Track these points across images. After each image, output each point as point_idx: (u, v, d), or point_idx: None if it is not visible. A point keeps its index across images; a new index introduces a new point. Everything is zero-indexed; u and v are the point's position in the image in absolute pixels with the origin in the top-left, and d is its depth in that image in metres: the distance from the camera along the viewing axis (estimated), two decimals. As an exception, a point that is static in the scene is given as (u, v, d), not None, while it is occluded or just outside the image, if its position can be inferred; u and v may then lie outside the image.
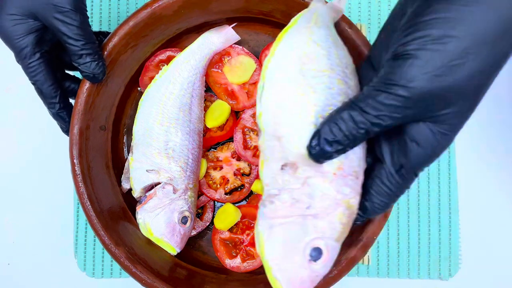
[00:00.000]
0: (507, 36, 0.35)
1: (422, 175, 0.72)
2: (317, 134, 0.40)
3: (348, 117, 0.39)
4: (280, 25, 0.66)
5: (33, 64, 0.55)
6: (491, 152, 0.74)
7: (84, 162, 0.60)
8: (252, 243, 0.66)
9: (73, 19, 0.54)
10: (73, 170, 0.59)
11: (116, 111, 0.66)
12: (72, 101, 0.60)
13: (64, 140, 0.61)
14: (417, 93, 0.36)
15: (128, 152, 0.68)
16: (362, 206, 0.44)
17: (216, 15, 0.65)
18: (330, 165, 0.42)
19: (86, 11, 0.56)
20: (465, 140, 0.73)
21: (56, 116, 0.59)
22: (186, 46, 0.66)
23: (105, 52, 0.60)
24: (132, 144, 0.65)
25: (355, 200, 0.43)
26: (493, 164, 0.74)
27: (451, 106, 0.38)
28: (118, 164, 0.67)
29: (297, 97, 0.43)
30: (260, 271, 0.65)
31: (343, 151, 0.41)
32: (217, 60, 0.68)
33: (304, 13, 0.50)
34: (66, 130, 0.60)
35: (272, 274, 0.42)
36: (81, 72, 0.57)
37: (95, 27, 0.73)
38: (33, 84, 0.57)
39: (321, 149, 0.40)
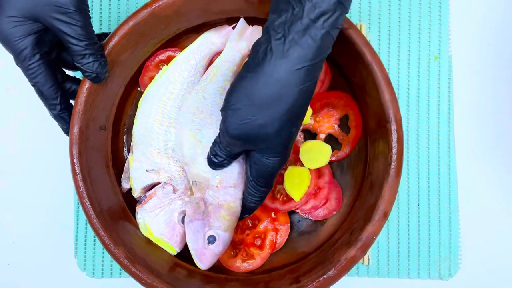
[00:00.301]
0: (277, 103, 0.51)
1: (422, 175, 0.72)
2: (208, 153, 0.60)
3: (218, 141, 0.58)
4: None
5: (33, 65, 0.55)
6: (491, 152, 0.74)
7: (84, 162, 0.60)
8: (252, 243, 0.66)
9: (77, 20, 0.54)
10: (73, 170, 0.59)
11: (116, 111, 0.66)
12: (72, 101, 0.60)
13: (64, 140, 0.61)
14: (230, 137, 0.55)
15: (128, 152, 0.68)
16: (242, 204, 0.62)
17: (216, 15, 0.65)
18: (214, 181, 0.62)
19: (89, 11, 0.56)
20: (465, 140, 0.73)
21: (58, 117, 0.59)
22: (186, 46, 0.66)
23: (105, 52, 0.60)
24: (132, 143, 0.65)
25: (234, 203, 0.62)
26: (493, 164, 0.74)
27: (259, 145, 0.55)
28: (118, 164, 0.67)
29: (192, 138, 0.62)
30: (259, 271, 0.65)
31: (227, 162, 0.60)
32: (217, 60, 0.68)
33: (209, 70, 0.66)
34: (68, 131, 0.60)
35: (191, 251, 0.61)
36: (84, 72, 0.57)
37: (95, 27, 0.73)
38: (33, 86, 0.56)
39: (211, 160, 0.60)
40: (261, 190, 0.60)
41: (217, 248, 0.61)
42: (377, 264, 0.72)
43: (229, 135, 0.55)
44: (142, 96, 0.65)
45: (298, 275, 0.60)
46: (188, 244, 0.61)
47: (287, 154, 0.57)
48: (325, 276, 0.57)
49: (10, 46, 0.54)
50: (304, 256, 0.65)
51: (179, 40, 0.68)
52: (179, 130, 0.64)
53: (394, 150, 0.58)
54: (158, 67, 0.67)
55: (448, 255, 0.71)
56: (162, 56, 0.67)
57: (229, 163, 0.60)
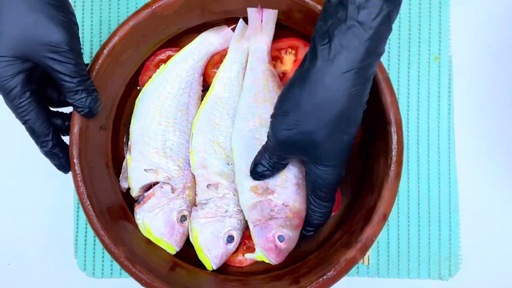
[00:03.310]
0: (325, 109, 0.51)
1: (422, 175, 0.72)
2: (252, 162, 0.60)
3: (264, 149, 0.59)
4: (280, 26, 0.66)
5: (23, 103, 0.54)
6: (491, 152, 0.74)
7: (84, 162, 0.60)
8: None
9: (70, 58, 0.53)
10: (73, 170, 0.59)
11: (116, 111, 0.66)
12: (65, 138, 0.60)
13: (64, 140, 0.61)
14: (277, 143, 0.56)
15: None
16: (307, 219, 0.62)
17: (216, 15, 0.65)
18: (248, 184, 0.63)
19: (81, 47, 0.56)
20: (465, 140, 0.73)
21: (50, 154, 0.58)
22: (186, 46, 0.67)
23: (105, 52, 0.60)
24: (129, 143, 0.65)
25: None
26: (493, 164, 0.74)
27: (309, 153, 0.55)
28: (118, 164, 0.66)
29: (211, 144, 0.64)
30: (259, 271, 0.65)
31: (269, 173, 0.60)
32: (217, 60, 0.68)
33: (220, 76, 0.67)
34: (61, 166, 0.59)
35: (203, 252, 0.63)
36: (77, 107, 0.57)
37: (95, 27, 0.73)
38: (24, 123, 0.56)
39: (253, 170, 0.60)
40: (322, 204, 0.60)
41: (233, 247, 0.64)
42: (377, 264, 0.72)
43: (276, 141, 0.55)
44: (139, 95, 0.65)
45: (297, 276, 0.60)
46: (201, 245, 0.63)
47: (341, 163, 0.56)
48: (324, 277, 0.57)
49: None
50: (303, 256, 0.65)
51: (179, 40, 0.68)
52: (197, 137, 0.65)
53: (394, 152, 0.58)
54: (158, 67, 0.67)
55: (448, 255, 0.71)
56: (162, 56, 0.67)
57: (271, 174, 0.60)
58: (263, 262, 0.65)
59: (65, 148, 0.59)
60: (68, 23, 0.54)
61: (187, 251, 0.64)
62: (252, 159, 0.61)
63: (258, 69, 0.65)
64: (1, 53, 0.52)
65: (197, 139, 0.64)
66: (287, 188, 0.62)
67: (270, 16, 0.64)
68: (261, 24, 0.64)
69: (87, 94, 0.56)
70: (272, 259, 0.62)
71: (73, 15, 0.55)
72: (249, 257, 0.64)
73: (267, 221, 0.61)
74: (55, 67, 0.53)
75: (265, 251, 0.61)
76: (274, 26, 0.65)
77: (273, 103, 0.62)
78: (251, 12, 0.64)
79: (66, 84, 0.54)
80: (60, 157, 0.58)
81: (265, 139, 0.59)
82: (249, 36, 0.65)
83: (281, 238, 0.61)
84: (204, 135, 0.64)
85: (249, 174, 0.61)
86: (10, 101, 0.54)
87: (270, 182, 0.62)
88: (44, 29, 0.52)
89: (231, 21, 0.66)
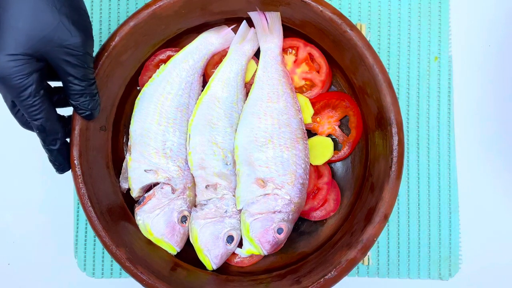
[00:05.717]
0: None
1: (422, 175, 0.72)
2: None
3: None
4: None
5: (36, 102, 0.53)
6: (491, 152, 0.74)
7: (85, 163, 0.60)
8: None
9: (84, 62, 0.54)
10: (74, 171, 0.59)
11: (116, 111, 0.66)
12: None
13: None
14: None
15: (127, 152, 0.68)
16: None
17: (216, 15, 0.65)
18: (252, 177, 0.63)
19: (93, 51, 0.56)
20: (465, 140, 0.73)
21: (56, 152, 0.58)
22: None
23: (106, 53, 0.60)
24: (129, 143, 0.65)
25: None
26: (493, 164, 0.74)
27: None
28: (118, 164, 0.66)
29: (209, 144, 0.65)
30: (260, 271, 0.65)
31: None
32: (217, 60, 0.68)
33: (218, 76, 0.67)
34: (61, 166, 0.59)
35: (203, 253, 0.63)
36: (79, 109, 0.57)
37: (95, 27, 0.73)
38: (34, 121, 0.55)
39: None
40: None
41: (233, 247, 0.64)
42: (377, 264, 0.72)
43: None
44: (139, 95, 0.65)
45: (299, 276, 0.60)
46: (201, 246, 0.63)
47: None
48: (326, 277, 0.57)
49: (12, 84, 0.52)
50: (304, 256, 0.65)
51: (179, 40, 0.68)
52: (194, 137, 0.64)
53: (395, 153, 0.58)
54: (158, 67, 0.67)
55: (448, 255, 0.72)
56: (162, 56, 0.67)
57: None
58: (264, 262, 0.66)
59: (69, 147, 0.59)
60: (87, 26, 0.54)
61: (188, 252, 0.65)
62: (257, 153, 0.63)
63: (271, 69, 0.65)
64: (17, 51, 0.51)
65: (194, 139, 0.64)
66: (295, 185, 0.63)
67: (275, 17, 0.64)
68: (268, 26, 0.64)
69: (90, 98, 0.57)
70: (266, 251, 0.63)
71: (89, 17, 0.55)
72: (238, 253, 0.65)
73: (270, 214, 0.62)
74: (68, 69, 0.54)
75: (262, 243, 0.62)
76: (281, 26, 0.65)
77: (285, 104, 0.64)
78: (254, 15, 0.64)
79: (73, 86, 0.55)
80: (65, 157, 0.59)
81: (275, 138, 0.62)
82: (259, 37, 0.66)
83: (280, 231, 0.62)
84: (202, 135, 0.64)
85: (253, 168, 0.62)
86: (22, 100, 0.53)
87: (278, 179, 0.62)
88: (65, 31, 0.52)
89: (231, 21, 0.66)
